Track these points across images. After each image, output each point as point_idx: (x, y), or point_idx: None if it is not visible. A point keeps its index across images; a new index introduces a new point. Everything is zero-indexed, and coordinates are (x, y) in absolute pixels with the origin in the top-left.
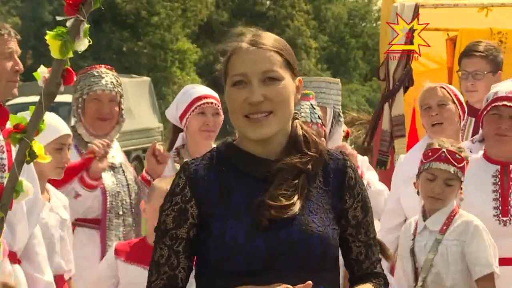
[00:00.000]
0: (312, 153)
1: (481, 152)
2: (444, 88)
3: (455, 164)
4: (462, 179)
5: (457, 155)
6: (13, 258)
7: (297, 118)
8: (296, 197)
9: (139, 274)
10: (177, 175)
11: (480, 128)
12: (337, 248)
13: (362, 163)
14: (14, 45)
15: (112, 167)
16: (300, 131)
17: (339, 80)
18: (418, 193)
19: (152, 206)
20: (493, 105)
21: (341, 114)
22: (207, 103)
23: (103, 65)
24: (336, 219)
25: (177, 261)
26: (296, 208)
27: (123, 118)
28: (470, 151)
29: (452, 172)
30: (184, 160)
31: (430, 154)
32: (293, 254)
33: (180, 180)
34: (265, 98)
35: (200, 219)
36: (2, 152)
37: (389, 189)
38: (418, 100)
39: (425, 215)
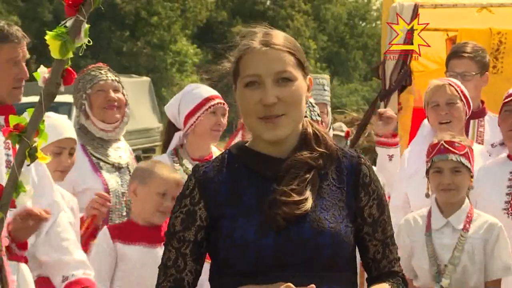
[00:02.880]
0: (322, 149)
1: (504, 154)
2: (452, 86)
3: (456, 152)
4: (469, 167)
5: (456, 144)
6: (20, 257)
7: (305, 116)
8: (307, 192)
9: (139, 253)
10: (188, 177)
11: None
12: (351, 246)
13: None
14: (22, 51)
15: (118, 167)
16: (310, 129)
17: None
18: (426, 195)
19: (149, 189)
20: (504, 101)
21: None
22: (219, 103)
23: (99, 63)
24: (351, 217)
25: (184, 264)
26: (309, 204)
27: (129, 110)
28: (490, 155)
29: (455, 159)
30: (183, 160)
31: (431, 150)
32: (302, 251)
33: (189, 183)
34: (278, 100)
35: (210, 221)
36: (8, 149)
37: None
38: (425, 97)
39: (442, 212)
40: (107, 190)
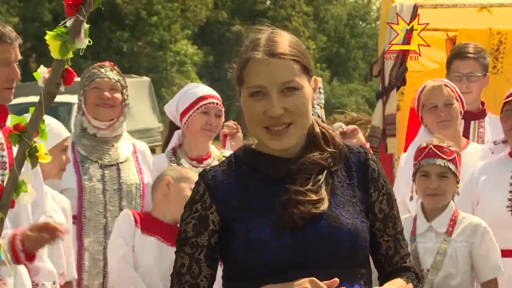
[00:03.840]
0: (331, 149)
1: (504, 152)
2: (448, 87)
3: (444, 157)
4: (456, 172)
5: (445, 148)
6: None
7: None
8: (323, 192)
9: (157, 246)
10: (196, 183)
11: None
12: (367, 242)
13: None
14: (14, 52)
15: (106, 165)
16: (317, 129)
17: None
18: (411, 198)
19: (159, 193)
20: (505, 101)
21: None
22: (212, 103)
23: (105, 62)
24: (365, 213)
25: (198, 270)
26: (326, 203)
27: (128, 108)
28: (492, 153)
29: (443, 165)
30: (181, 160)
31: (419, 153)
32: (320, 249)
33: (199, 188)
34: (285, 110)
35: (222, 225)
36: (3, 150)
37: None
38: (422, 98)
39: (426, 216)
40: (80, 189)
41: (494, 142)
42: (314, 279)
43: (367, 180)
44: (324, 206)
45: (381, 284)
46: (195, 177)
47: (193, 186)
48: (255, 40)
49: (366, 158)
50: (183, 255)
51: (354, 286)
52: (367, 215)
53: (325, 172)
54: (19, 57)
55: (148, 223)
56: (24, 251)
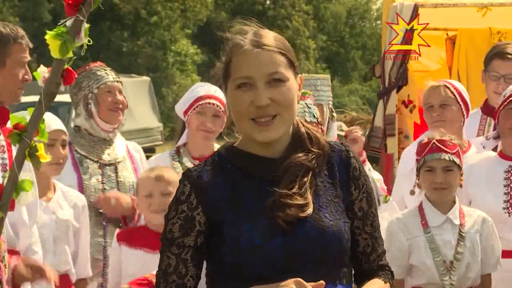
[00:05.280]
0: (316, 150)
1: (494, 149)
2: (447, 88)
3: (448, 151)
4: (460, 165)
5: (448, 142)
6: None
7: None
8: (309, 195)
9: (143, 258)
10: (180, 182)
11: (496, 125)
12: (349, 242)
13: None
14: (27, 54)
15: (105, 165)
16: (303, 129)
17: (329, 76)
18: (411, 192)
19: (140, 196)
20: (510, 99)
21: (333, 110)
22: (208, 103)
23: (99, 62)
24: (345, 212)
25: (185, 270)
26: (311, 207)
27: (127, 111)
28: (483, 147)
29: (448, 159)
30: (183, 159)
31: (422, 149)
32: (311, 251)
33: (184, 188)
34: (271, 101)
35: (209, 226)
36: (3, 152)
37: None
38: (422, 98)
39: (438, 209)
40: (81, 188)
41: (486, 137)
42: (299, 279)
43: (349, 178)
44: (310, 210)
45: (357, 281)
46: (144, 173)
47: (142, 182)
48: (242, 33)
49: (348, 156)
50: (170, 255)
51: (337, 286)
52: (347, 213)
53: (310, 174)
54: (29, 58)
55: (139, 237)
56: (12, 280)
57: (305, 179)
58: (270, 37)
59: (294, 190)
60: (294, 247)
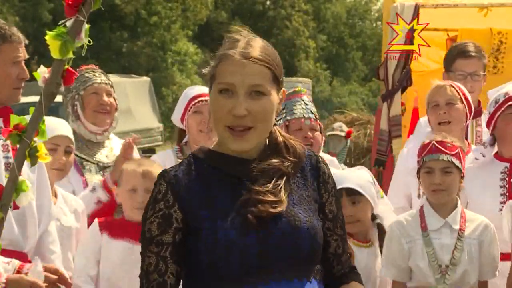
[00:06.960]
0: (292, 158)
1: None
2: (453, 87)
3: (447, 152)
4: (460, 167)
5: (447, 144)
6: (24, 259)
7: (275, 125)
8: (282, 194)
9: (123, 249)
10: (156, 183)
11: (488, 130)
12: (322, 239)
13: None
14: (22, 52)
15: (104, 167)
16: (280, 138)
17: (310, 80)
18: (418, 196)
19: (123, 189)
20: (509, 103)
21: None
22: (202, 101)
23: (92, 65)
24: (318, 212)
25: (165, 267)
26: (284, 205)
27: (117, 114)
28: (483, 156)
29: (446, 160)
30: (184, 157)
31: (422, 150)
32: (286, 247)
33: (161, 187)
34: (248, 113)
35: (185, 224)
36: (8, 151)
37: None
38: (427, 97)
39: (438, 212)
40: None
41: (484, 144)
42: None
43: (319, 182)
44: (282, 207)
45: (329, 285)
46: (131, 166)
47: (128, 176)
48: (234, 41)
49: (317, 161)
50: (149, 254)
51: (311, 281)
52: (319, 215)
53: (285, 178)
54: (26, 56)
55: (119, 228)
56: None
57: (279, 181)
58: (259, 48)
59: (268, 188)
60: (268, 243)
